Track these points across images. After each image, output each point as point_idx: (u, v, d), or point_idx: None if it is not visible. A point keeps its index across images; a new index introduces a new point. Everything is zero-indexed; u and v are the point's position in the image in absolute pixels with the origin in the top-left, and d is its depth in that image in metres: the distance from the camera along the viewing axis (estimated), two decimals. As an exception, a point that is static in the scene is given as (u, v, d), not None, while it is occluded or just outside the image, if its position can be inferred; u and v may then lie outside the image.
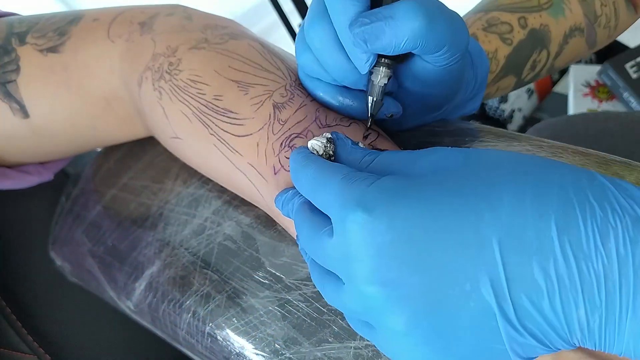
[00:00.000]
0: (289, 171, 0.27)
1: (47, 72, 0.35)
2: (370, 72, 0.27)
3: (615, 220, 0.18)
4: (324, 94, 0.29)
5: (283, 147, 0.29)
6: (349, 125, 0.30)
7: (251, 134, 0.29)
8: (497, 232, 0.19)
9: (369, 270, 0.20)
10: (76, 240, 0.44)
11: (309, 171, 0.24)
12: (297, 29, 1.36)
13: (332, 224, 0.22)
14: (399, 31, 0.24)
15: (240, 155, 0.30)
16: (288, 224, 0.29)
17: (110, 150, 0.46)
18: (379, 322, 0.21)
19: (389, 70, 0.27)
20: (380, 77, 0.27)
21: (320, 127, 0.29)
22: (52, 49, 0.36)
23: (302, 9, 0.91)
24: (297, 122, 0.29)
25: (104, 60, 0.36)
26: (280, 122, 0.29)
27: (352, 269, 0.21)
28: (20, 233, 0.47)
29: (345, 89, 0.29)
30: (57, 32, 0.36)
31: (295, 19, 1.07)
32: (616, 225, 0.18)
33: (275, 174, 0.28)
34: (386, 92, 0.29)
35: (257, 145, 0.29)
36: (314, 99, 0.30)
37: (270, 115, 0.29)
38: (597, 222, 0.18)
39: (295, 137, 0.28)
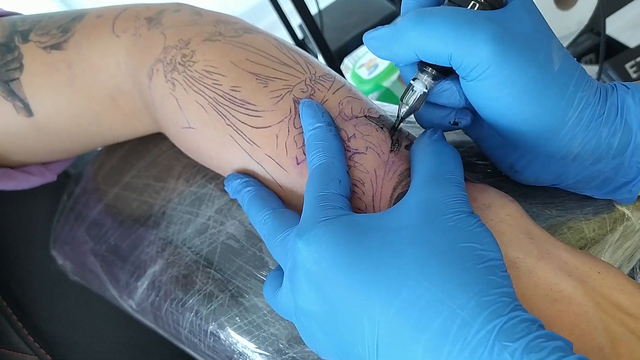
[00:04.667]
0: None
1: (50, 70, 0.35)
2: (414, 79, 0.27)
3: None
4: None
5: None
6: (378, 117, 0.30)
7: (270, 126, 0.29)
8: (379, 325, 0.20)
9: (297, 280, 0.24)
10: (78, 238, 0.44)
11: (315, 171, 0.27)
12: (297, 29, 1.36)
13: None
14: (402, 40, 0.25)
15: (258, 147, 0.30)
16: None
17: (113, 148, 0.46)
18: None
19: (431, 81, 0.27)
20: (420, 84, 0.27)
21: (345, 120, 0.29)
22: (56, 46, 0.36)
23: (302, 9, 0.91)
24: None
25: (109, 55, 0.35)
26: None
27: (293, 275, 0.24)
28: (22, 233, 0.46)
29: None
30: (60, 29, 0.36)
31: (295, 19, 1.07)
32: None
33: (298, 164, 0.29)
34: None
35: (277, 137, 0.29)
36: (335, 92, 0.30)
37: (291, 109, 0.29)
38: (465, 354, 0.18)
39: None
